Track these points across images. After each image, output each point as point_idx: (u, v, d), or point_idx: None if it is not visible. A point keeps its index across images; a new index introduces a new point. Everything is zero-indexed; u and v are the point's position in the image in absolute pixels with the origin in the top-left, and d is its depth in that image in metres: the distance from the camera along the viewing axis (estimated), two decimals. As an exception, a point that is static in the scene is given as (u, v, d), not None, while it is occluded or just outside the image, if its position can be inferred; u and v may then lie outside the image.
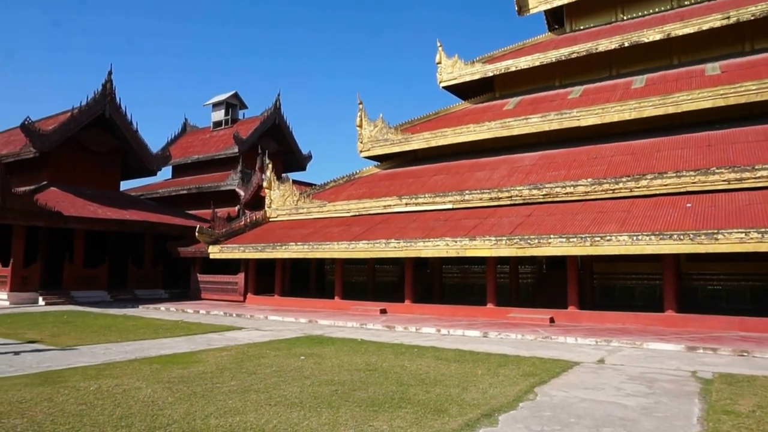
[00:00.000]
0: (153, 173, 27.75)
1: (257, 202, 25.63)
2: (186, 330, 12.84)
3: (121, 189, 27.92)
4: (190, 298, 22.71)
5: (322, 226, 19.08)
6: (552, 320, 13.46)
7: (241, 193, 27.10)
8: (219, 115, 34.89)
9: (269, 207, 22.11)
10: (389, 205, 18.57)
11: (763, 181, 12.75)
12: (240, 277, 21.27)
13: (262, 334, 12.39)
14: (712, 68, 17.85)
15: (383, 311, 16.36)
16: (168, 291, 24.63)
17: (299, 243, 17.70)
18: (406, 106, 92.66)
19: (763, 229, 10.59)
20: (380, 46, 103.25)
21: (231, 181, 28.12)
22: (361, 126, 22.09)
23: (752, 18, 17.29)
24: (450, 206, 17.25)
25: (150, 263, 24.72)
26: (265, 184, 22.34)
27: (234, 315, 16.82)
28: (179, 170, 33.93)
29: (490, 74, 21.91)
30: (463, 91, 23.57)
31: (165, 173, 34.28)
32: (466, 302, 17.00)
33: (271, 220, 22.03)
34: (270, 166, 22.39)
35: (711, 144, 15.17)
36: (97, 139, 24.51)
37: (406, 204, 18.15)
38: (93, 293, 21.86)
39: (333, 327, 13.93)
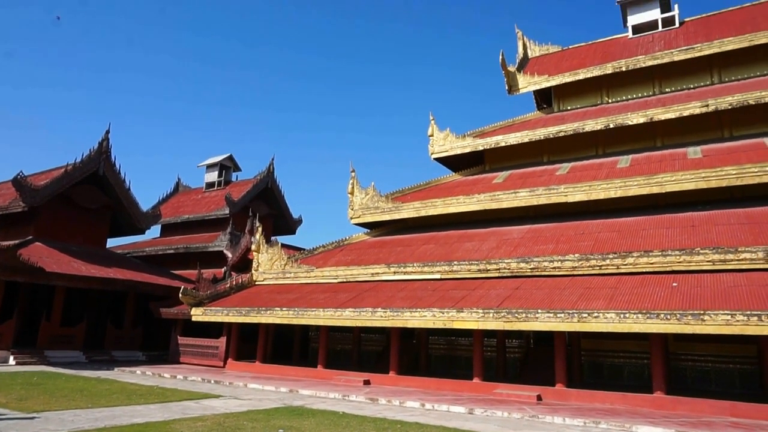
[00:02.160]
0: (142, 232, 27.61)
1: (245, 264, 25.42)
2: (161, 396, 12.35)
3: (108, 246, 27.65)
4: (168, 362, 22.00)
5: (309, 292, 18.87)
6: (539, 398, 13.13)
7: (229, 254, 26.91)
8: (212, 176, 35.24)
9: (256, 270, 21.91)
10: (377, 273, 18.49)
11: (746, 263, 12.92)
12: (221, 342, 20.73)
13: (241, 403, 11.94)
14: (693, 152, 18.52)
15: (367, 382, 15.90)
16: (146, 353, 23.86)
17: (284, 308, 17.42)
18: (398, 174, 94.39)
19: (749, 312, 10.62)
20: (375, 115, 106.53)
21: (219, 242, 27.99)
22: (352, 193, 22.38)
23: (730, 107, 18.15)
24: (438, 276, 17.20)
25: (130, 323, 24.09)
26: (253, 246, 22.26)
27: (212, 381, 16.25)
28: (168, 229, 33.80)
29: (481, 148, 22.54)
30: (454, 163, 24.14)
31: (154, 231, 34.10)
32: (453, 375, 16.60)
33: (257, 283, 21.77)
34: (260, 228, 22.40)
35: (695, 225, 15.48)
36: (87, 195, 24.52)
37: (395, 272, 18.09)
38: (68, 353, 21.11)
39: (314, 398, 13.49)
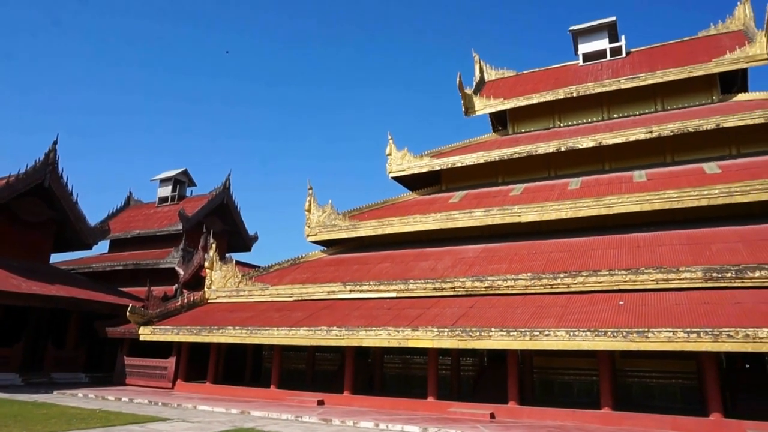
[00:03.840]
0: (89, 247, 26.57)
1: (197, 282, 24.78)
2: (103, 420, 11.80)
3: (52, 261, 26.43)
4: (113, 384, 21.05)
5: (263, 310, 18.53)
6: (492, 416, 13.24)
7: (181, 271, 26.18)
8: (166, 191, 34.36)
9: (209, 288, 21.37)
10: (333, 291, 18.36)
11: (686, 282, 13.53)
12: (170, 362, 20.01)
13: (188, 426, 11.54)
14: (639, 175, 19.34)
15: (321, 402, 15.66)
16: (90, 375, 22.76)
17: (237, 327, 17.03)
18: (356, 193, 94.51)
19: (689, 329, 11.09)
20: (334, 133, 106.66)
21: (171, 258, 27.21)
22: (309, 210, 22.23)
23: (671, 134, 19.10)
24: (394, 294, 17.22)
25: (73, 344, 22.97)
26: (206, 263, 21.73)
27: (160, 404, 15.65)
28: (118, 245, 32.62)
29: (438, 168, 22.87)
30: (411, 182, 24.38)
31: (102, 247, 32.88)
32: (408, 394, 16.55)
33: (209, 301, 21.22)
34: (214, 245, 21.92)
35: (640, 245, 16.10)
36: (31, 208, 23.44)
37: (350, 291, 18.00)
38: (2, 376, 19.86)
39: (266, 419, 13.18)
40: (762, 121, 17.82)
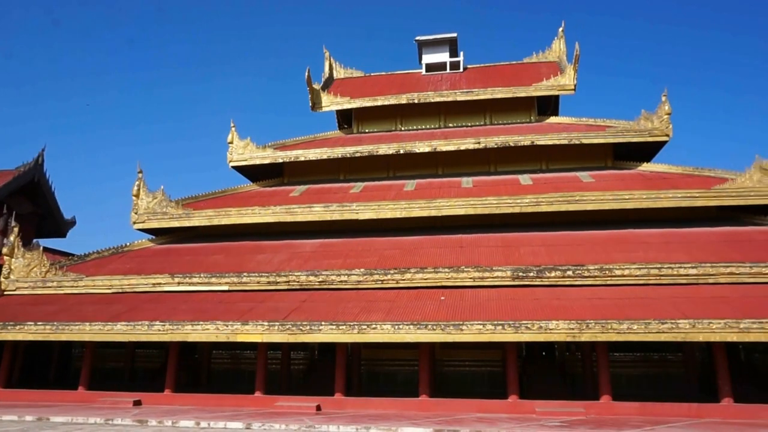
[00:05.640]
0: None
1: (-7, 270, 21.35)
2: None
3: None
4: None
5: (75, 303, 16.63)
6: (319, 408, 13.47)
7: (-28, 258, 22.34)
8: (-43, 162, 29.07)
9: (7, 278, 18.53)
10: (159, 283, 17.13)
11: (498, 280, 15.13)
12: (-51, 364, 16.96)
13: (-35, 437, 9.92)
14: (466, 182, 21.09)
15: (137, 403, 14.52)
16: None
17: (40, 322, 15.06)
18: (195, 184, 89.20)
19: (496, 322, 12.43)
20: (173, 116, 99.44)
21: (-41, 242, 23.08)
22: (138, 196, 20.44)
23: (496, 146, 21.15)
24: (226, 288, 16.63)
25: None
26: (5, 250, 18.84)
27: (-71, 414, 13.20)
28: None
29: (280, 161, 22.54)
30: (253, 173, 23.72)
31: None
32: (236, 390, 16.10)
33: (7, 293, 18.42)
34: (16, 229, 19.08)
35: (463, 245, 17.59)
36: None
37: (179, 283, 16.97)
38: None
39: (70, 425, 11.87)
40: (566, 142, 20.57)
